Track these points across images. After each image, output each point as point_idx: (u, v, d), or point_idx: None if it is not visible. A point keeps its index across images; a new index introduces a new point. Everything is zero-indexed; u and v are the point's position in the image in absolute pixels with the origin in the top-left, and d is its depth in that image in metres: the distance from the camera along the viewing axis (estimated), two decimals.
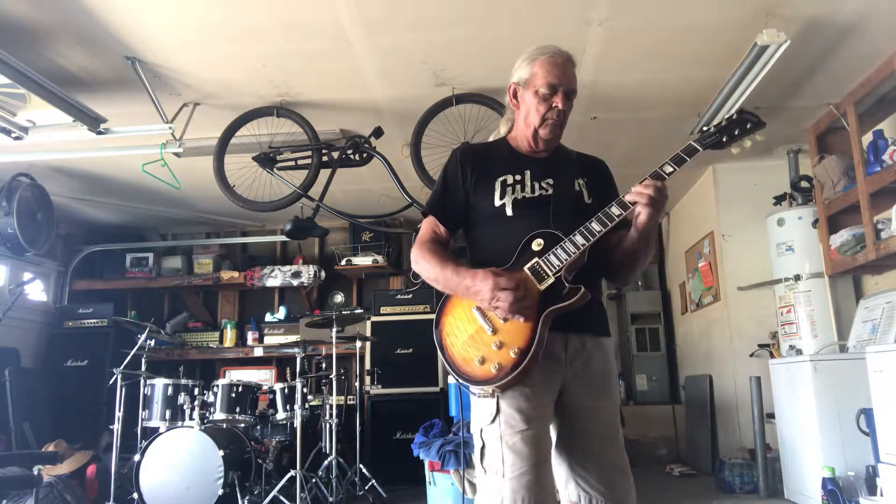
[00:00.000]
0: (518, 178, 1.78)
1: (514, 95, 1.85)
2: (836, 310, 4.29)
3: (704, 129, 1.73)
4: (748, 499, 4.32)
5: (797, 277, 4.41)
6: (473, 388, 1.63)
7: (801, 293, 4.39)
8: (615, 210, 1.64)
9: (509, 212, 1.73)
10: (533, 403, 1.60)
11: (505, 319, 1.62)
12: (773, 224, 4.61)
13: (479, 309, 1.66)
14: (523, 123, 1.83)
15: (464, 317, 1.69)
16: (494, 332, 1.62)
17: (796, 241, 4.45)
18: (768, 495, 4.26)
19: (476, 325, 1.66)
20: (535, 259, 1.65)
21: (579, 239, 1.63)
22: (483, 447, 1.63)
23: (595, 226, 1.63)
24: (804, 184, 4.54)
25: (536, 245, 1.67)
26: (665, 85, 3.84)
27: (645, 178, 1.64)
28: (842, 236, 3.97)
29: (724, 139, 1.71)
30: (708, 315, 5.51)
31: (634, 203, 1.62)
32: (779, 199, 4.73)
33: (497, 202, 1.75)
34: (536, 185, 1.77)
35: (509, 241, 1.70)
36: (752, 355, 4.84)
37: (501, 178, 1.78)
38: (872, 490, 3.33)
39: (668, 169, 1.65)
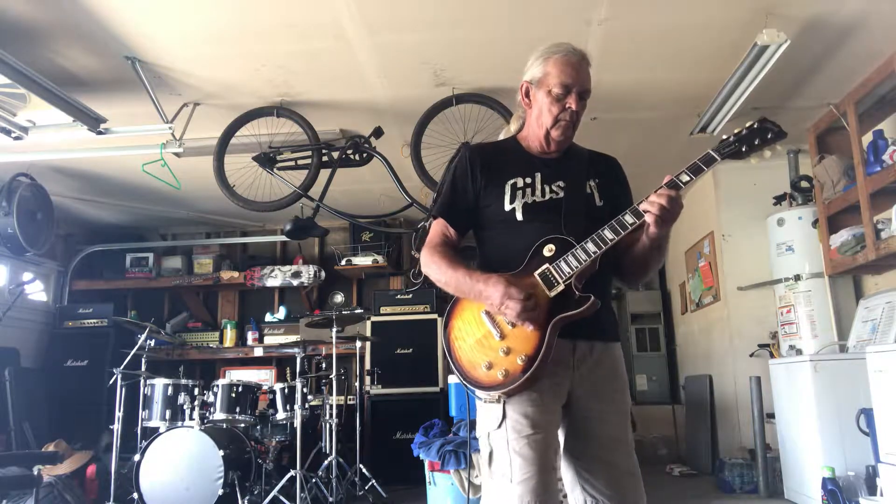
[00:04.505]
0: (528, 180, 1.75)
1: (526, 94, 1.80)
2: (836, 310, 4.29)
3: (724, 137, 1.67)
4: (748, 499, 4.31)
5: (797, 277, 4.41)
6: (479, 393, 1.62)
7: (801, 293, 4.38)
8: (628, 218, 1.61)
9: (519, 216, 1.71)
10: (539, 408, 1.59)
11: (513, 325, 1.60)
12: (773, 224, 4.61)
13: (487, 313, 1.64)
14: (535, 123, 1.79)
15: (472, 320, 1.67)
16: (502, 337, 1.61)
17: (796, 241, 4.45)
18: (768, 495, 4.26)
19: (484, 329, 1.64)
20: (546, 265, 1.62)
21: (591, 247, 1.60)
22: (491, 452, 1.62)
23: (608, 234, 1.60)
24: (804, 184, 4.54)
25: (548, 251, 1.64)
26: (665, 85, 3.84)
27: (660, 187, 1.60)
28: (842, 236, 3.97)
29: (744, 149, 1.64)
30: (708, 315, 5.51)
31: (647, 211, 1.59)
32: (779, 199, 4.73)
33: (507, 206, 1.72)
34: (547, 189, 1.74)
35: (519, 246, 1.67)
36: (752, 355, 4.83)
37: (511, 181, 1.75)
38: (872, 490, 3.33)
39: (685, 178, 1.61)
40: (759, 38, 3.12)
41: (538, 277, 1.62)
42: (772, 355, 4.63)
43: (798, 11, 3.11)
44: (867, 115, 3.90)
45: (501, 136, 1.96)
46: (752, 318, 4.93)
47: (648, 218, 1.58)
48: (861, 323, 3.96)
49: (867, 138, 3.81)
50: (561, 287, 1.60)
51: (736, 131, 1.67)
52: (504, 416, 1.59)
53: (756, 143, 1.64)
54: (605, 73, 3.62)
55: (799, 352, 4.27)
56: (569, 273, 1.60)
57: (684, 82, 3.81)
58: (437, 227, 1.80)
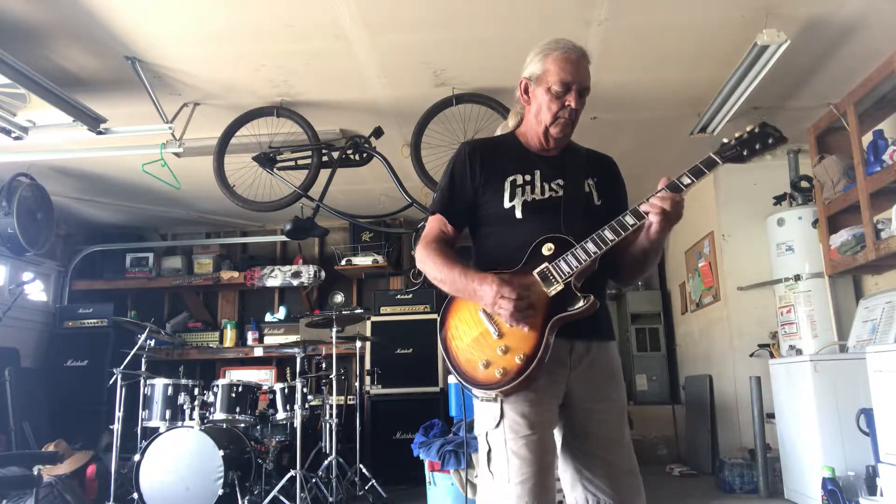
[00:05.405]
0: (528, 178, 1.74)
1: (525, 91, 1.79)
2: (836, 310, 4.29)
3: (725, 140, 1.68)
4: (748, 499, 4.31)
5: (797, 277, 4.41)
6: (476, 392, 1.61)
7: (801, 293, 4.39)
8: (629, 219, 1.61)
9: (519, 214, 1.70)
10: (536, 408, 1.58)
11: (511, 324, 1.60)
12: (773, 224, 4.61)
13: (485, 312, 1.63)
14: (534, 120, 1.78)
15: (469, 319, 1.66)
16: (500, 335, 1.60)
17: (796, 241, 4.46)
18: (768, 495, 4.26)
19: (482, 327, 1.63)
20: (545, 264, 1.62)
21: (591, 247, 1.60)
22: (489, 451, 1.61)
23: (608, 234, 1.60)
24: (804, 184, 4.54)
25: (547, 249, 1.64)
26: (665, 85, 3.84)
27: (662, 189, 1.60)
28: (842, 236, 3.97)
29: (745, 153, 1.65)
30: (708, 315, 5.51)
31: (648, 213, 1.59)
32: (779, 199, 4.73)
33: (507, 204, 1.71)
34: (546, 187, 1.73)
35: (518, 244, 1.66)
36: (752, 355, 4.84)
37: (511, 178, 1.74)
38: (872, 490, 3.33)
39: (686, 181, 1.61)
40: (759, 38, 3.12)
41: (537, 276, 1.62)
42: (772, 355, 4.63)
43: (798, 11, 3.11)
44: (867, 115, 3.90)
45: (498, 132, 1.94)
46: (752, 318, 4.93)
47: (654, 219, 1.58)
48: (861, 323, 3.96)
49: (867, 138, 3.81)
50: (560, 286, 1.60)
51: (737, 135, 1.67)
52: (502, 416, 1.58)
53: (757, 147, 1.65)
54: (605, 74, 3.62)
55: (799, 352, 4.27)
56: (568, 272, 1.60)
57: (684, 82, 3.81)
58: (434, 224, 1.79)
